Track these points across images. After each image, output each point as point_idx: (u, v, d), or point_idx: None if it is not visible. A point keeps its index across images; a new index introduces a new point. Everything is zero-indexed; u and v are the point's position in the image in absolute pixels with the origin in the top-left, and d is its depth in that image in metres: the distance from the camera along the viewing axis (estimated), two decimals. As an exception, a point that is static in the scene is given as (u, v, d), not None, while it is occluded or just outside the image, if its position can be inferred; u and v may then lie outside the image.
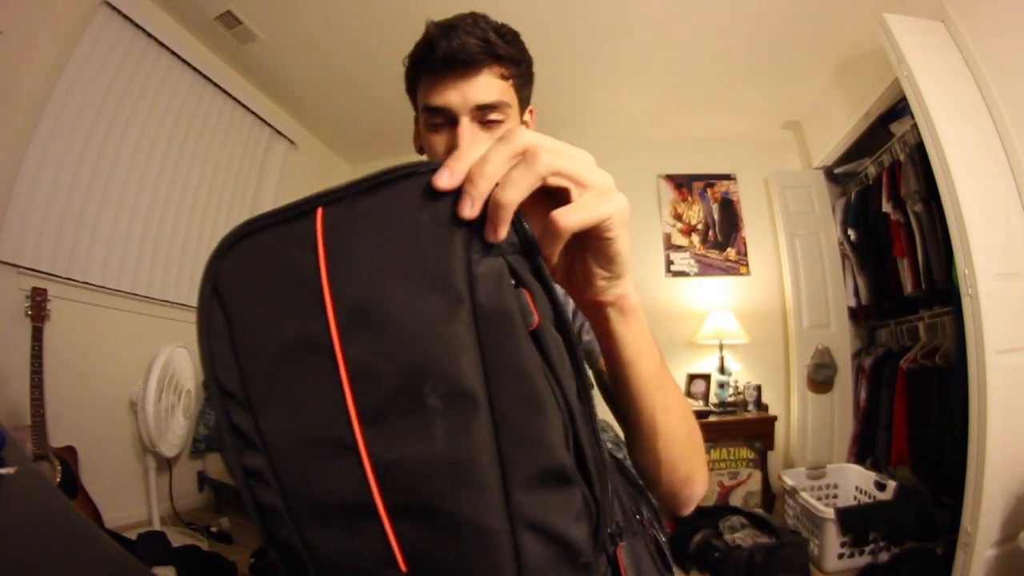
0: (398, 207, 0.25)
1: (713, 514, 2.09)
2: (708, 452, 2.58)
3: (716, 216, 3.28)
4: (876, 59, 2.07)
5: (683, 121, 3.22)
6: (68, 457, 1.73)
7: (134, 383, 1.95)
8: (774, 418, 2.79)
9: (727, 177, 3.32)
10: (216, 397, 0.26)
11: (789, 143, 3.28)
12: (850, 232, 2.74)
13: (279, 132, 3.01)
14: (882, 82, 2.27)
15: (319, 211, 0.26)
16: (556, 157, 0.27)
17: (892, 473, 2.24)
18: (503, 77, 0.66)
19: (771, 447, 2.72)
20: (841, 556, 1.89)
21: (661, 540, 0.47)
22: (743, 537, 1.92)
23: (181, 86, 2.37)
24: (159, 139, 2.28)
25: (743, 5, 2.23)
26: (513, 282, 0.26)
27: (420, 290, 0.24)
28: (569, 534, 0.25)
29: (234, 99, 2.65)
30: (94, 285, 2.05)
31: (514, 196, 0.25)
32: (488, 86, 0.65)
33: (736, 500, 2.56)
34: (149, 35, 2.16)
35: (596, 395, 0.50)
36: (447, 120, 0.66)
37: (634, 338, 0.40)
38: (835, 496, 2.35)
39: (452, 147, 0.65)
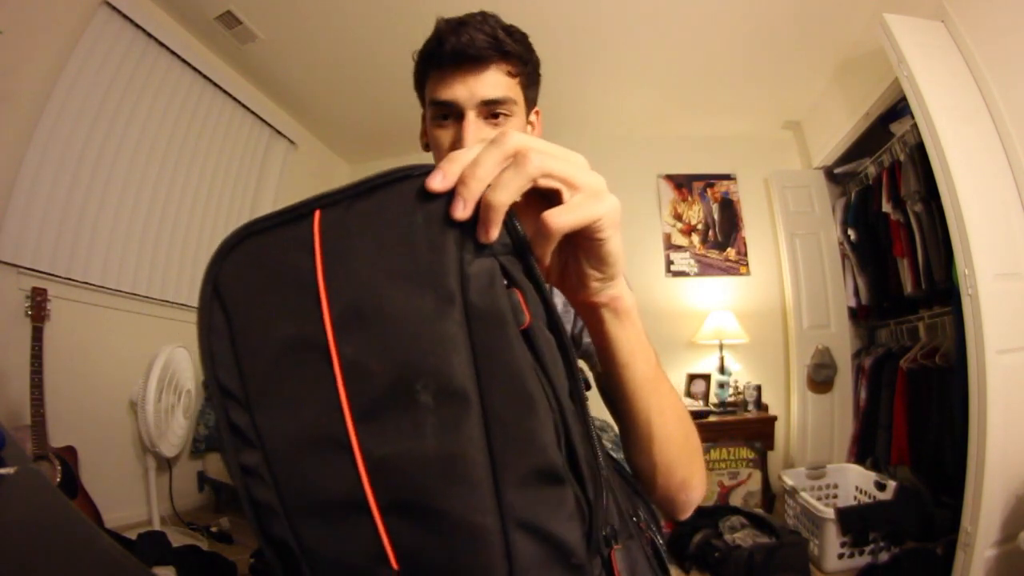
0: (393, 209, 0.26)
1: (713, 514, 2.09)
2: (708, 452, 2.58)
3: (716, 216, 3.28)
4: (876, 59, 2.07)
5: (683, 121, 3.22)
6: (68, 457, 1.73)
7: (134, 383, 1.95)
8: (774, 418, 2.79)
9: (727, 177, 3.32)
10: (216, 396, 0.27)
11: (789, 143, 3.28)
12: (850, 232, 2.74)
13: (279, 132, 3.01)
14: (882, 82, 2.26)
15: (317, 214, 0.27)
16: (547, 159, 0.27)
17: (892, 473, 2.24)
18: (510, 74, 0.67)
19: (771, 447, 2.72)
20: (841, 556, 1.89)
21: (658, 543, 0.47)
22: (743, 537, 1.92)
23: (181, 86, 2.37)
24: (159, 139, 2.28)
25: (743, 5, 2.23)
26: (505, 282, 0.26)
27: (414, 290, 0.25)
28: (561, 534, 0.25)
29: (234, 99, 2.65)
30: (94, 285, 2.05)
31: (504, 197, 0.26)
32: (495, 82, 0.65)
33: (736, 500, 2.56)
34: (149, 35, 2.16)
35: (596, 397, 0.50)
36: (453, 115, 0.67)
37: (628, 340, 0.40)
38: (835, 496, 2.36)
39: (457, 142, 0.66)
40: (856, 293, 2.78)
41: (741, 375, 2.99)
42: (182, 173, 2.43)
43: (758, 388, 2.87)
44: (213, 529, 2.13)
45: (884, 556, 1.87)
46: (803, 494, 2.11)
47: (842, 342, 2.86)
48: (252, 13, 2.28)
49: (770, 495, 2.63)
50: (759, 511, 2.18)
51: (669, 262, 3.23)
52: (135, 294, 2.23)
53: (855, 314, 2.87)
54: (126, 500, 2.08)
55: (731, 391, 2.89)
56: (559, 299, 0.65)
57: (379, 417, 0.24)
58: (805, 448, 2.79)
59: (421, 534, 0.24)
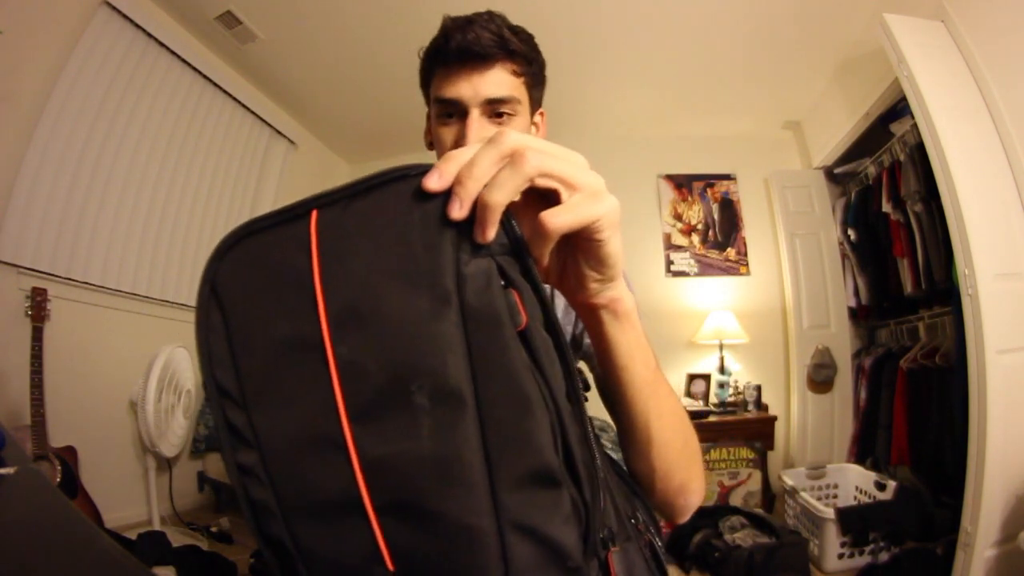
0: (390, 209, 0.26)
1: (713, 514, 2.08)
2: (708, 452, 2.58)
3: (716, 216, 3.28)
4: (876, 59, 2.07)
5: (683, 121, 3.22)
6: (68, 457, 1.73)
7: (134, 383, 1.95)
8: (774, 418, 2.79)
9: (727, 177, 3.32)
10: (213, 395, 0.27)
11: (789, 143, 3.28)
12: (850, 232, 2.74)
13: (279, 132, 3.01)
14: (882, 82, 2.26)
15: (314, 213, 0.27)
16: (545, 158, 0.27)
17: (892, 473, 2.24)
18: (515, 74, 0.67)
19: (771, 447, 2.72)
20: (841, 556, 1.89)
21: (657, 545, 0.46)
22: (743, 537, 1.92)
23: (181, 86, 2.37)
24: (159, 139, 2.28)
25: (743, 5, 2.23)
26: (502, 283, 0.26)
27: (410, 290, 0.25)
28: (557, 536, 0.25)
29: (234, 99, 2.65)
30: (94, 285, 2.05)
31: (501, 197, 0.25)
32: (500, 80, 0.65)
33: (736, 500, 2.56)
34: (149, 35, 2.16)
35: (596, 398, 0.50)
36: (458, 113, 0.66)
37: (627, 342, 0.40)
38: (835, 496, 2.35)
39: (460, 140, 0.66)
40: (856, 293, 2.78)
41: (741, 375, 2.99)
42: (182, 173, 2.43)
43: (758, 388, 2.87)
44: (213, 529, 2.13)
45: (884, 556, 1.87)
46: (803, 494, 2.11)
47: (842, 342, 2.86)
48: (252, 13, 2.28)
49: (770, 495, 2.63)
50: (759, 511, 2.17)
51: (669, 262, 3.23)
52: (135, 294, 2.23)
53: (855, 314, 2.86)
54: (126, 500, 2.08)
55: (731, 391, 2.89)
56: (561, 301, 0.65)
57: (375, 417, 0.24)
58: (805, 448, 2.79)
59: (417, 535, 0.24)
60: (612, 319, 0.38)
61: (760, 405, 2.85)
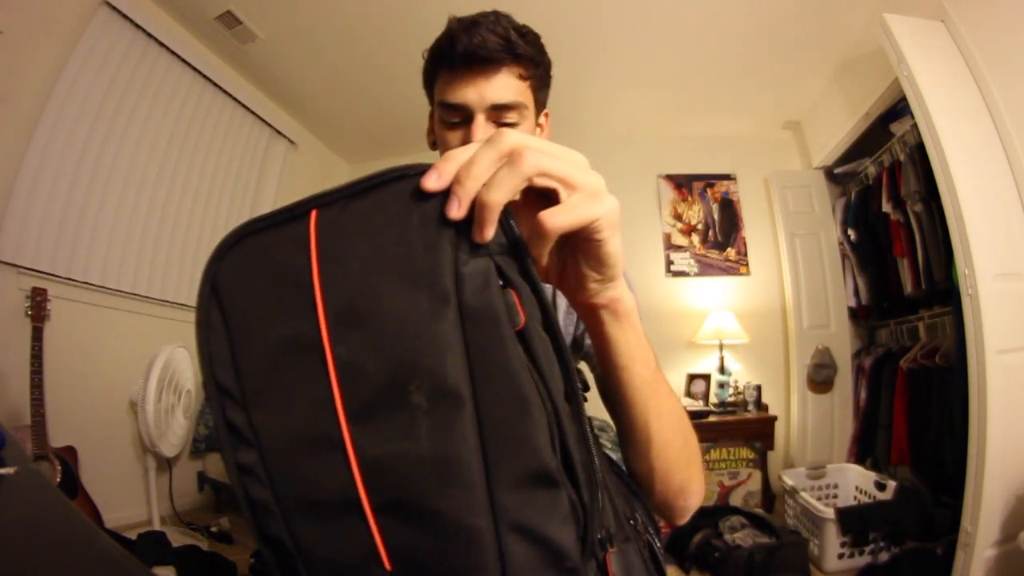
0: (389, 209, 0.26)
1: (713, 514, 2.08)
2: (708, 452, 2.58)
3: (716, 216, 3.28)
4: (876, 59, 2.07)
5: (683, 121, 3.22)
6: (68, 457, 1.73)
7: (134, 383, 1.95)
8: (774, 418, 2.79)
9: (727, 177, 3.32)
10: (213, 395, 0.27)
11: (789, 143, 3.28)
12: (850, 232, 2.74)
13: (279, 132, 3.02)
14: (882, 82, 2.26)
15: (313, 213, 0.27)
16: (543, 158, 0.27)
17: (892, 473, 2.24)
18: (521, 77, 0.66)
19: (771, 447, 2.72)
20: (841, 556, 1.89)
21: (656, 545, 0.46)
22: (743, 537, 1.92)
23: (181, 86, 2.37)
24: (159, 139, 2.29)
25: (743, 5, 2.23)
26: (501, 282, 0.26)
27: (408, 289, 0.25)
28: (555, 537, 0.25)
29: (234, 99, 2.65)
30: (94, 285, 2.05)
31: (499, 197, 0.25)
32: (506, 86, 0.64)
33: (736, 500, 2.56)
34: (149, 35, 2.16)
35: (597, 398, 0.50)
36: (463, 118, 0.65)
37: (627, 342, 0.40)
38: (835, 496, 2.35)
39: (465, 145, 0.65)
40: (856, 293, 2.78)
41: (741, 375, 2.99)
42: (182, 173, 2.43)
43: (758, 388, 2.87)
44: (213, 529, 2.13)
45: (884, 556, 1.87)
46: (803, 494, 2.11)
47: (842, 342, 2.86)
48: (252, 13, 2.28)
49: (770, 495, 2.63)
50: (759, 511, 2.17)
51: (669, 262, 3.23)
52: (135, 294, 2.23)
53: (855, 314, 2.86)
54: (126, 500, 2.08)
55: (731, 391, 2.89)
56: (563, 302, 0.65)
57: (373, 417, 0.24)
58: (805, 448, 2.79)
59: (414, 535, 0.24)
60: (612, 319, 0.38)
61: (760, 405, 2.85)
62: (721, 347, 2.98)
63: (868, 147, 2.63)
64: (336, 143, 3.56)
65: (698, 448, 0.50)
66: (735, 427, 2.68)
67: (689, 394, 2.97)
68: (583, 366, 0.63)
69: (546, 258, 0.32)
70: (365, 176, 0.26)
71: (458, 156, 0.26)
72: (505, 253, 0.27)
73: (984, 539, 1.47)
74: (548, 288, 0.33)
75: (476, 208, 0.25)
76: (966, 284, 1.56)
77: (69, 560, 0.55)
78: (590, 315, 0.38)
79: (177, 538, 1.89)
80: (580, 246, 0.32)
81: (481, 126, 0.64)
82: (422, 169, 0.26)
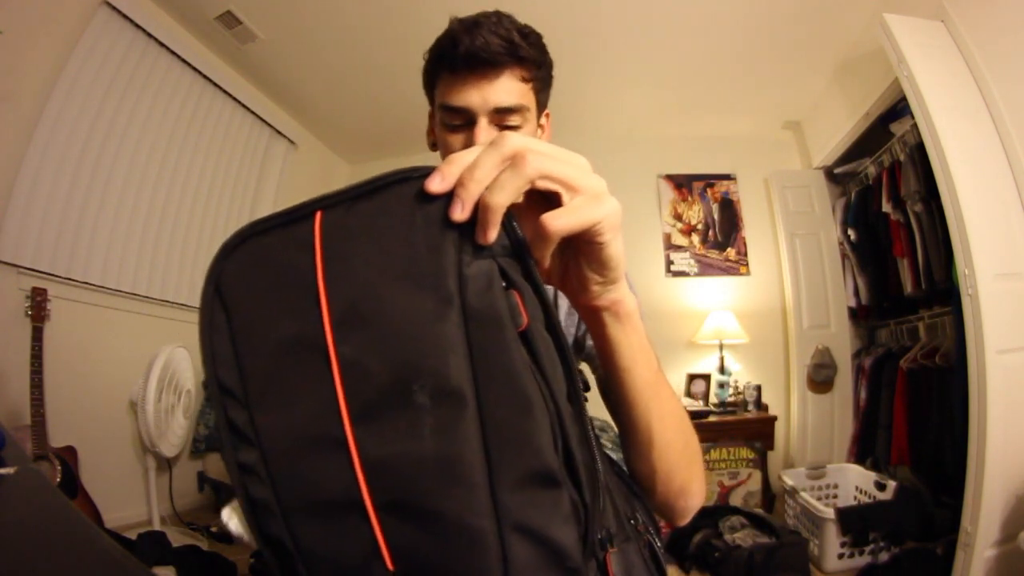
0: (393, 210, 0.26)
1: (713, 514, 2.09)
2: (708, 452, 2.58)
3: (716, 216, 3.28)
4: (876, 59, 2.07)
5: (683, 121, 3.22)
6: (68, 457, 1.73)
7: (134, 383, 1.95)
8: (774, 418, 2.79)
9: (727, 177, 3.32)
10: (215, 394, 0.27)
11: (789, 143, 3.28)
12: (850, 232, 2.74)
13: (279, 132, 3.02)
14: (882, 82, 2.26)
15: (318, 215, 0.27)
16: (546, 160, 0.27)
17: (892, 473, 2.24)
18: (524, 80, 0.65)
19: (771, 447, 2.72)
20: (841, 556, 1.89)
21: (656, 545, 0.46)
22: (743, 537, 1.92)
23: (181, 86, 2.37)
24: (159, 139, 2.29)
25: (743, 5, 2.23)
26: (504, 284, 0.26)
27: (412, 291, 0.25)
28: (557, 537, 0.25)
29: (234, 99, 2.65)
30: (94, 285, 2.05)
31: (502, 199, 0.26)
32: (509, 89, 0.64)
33: (736, 500, 2.56)
34: (149, 35, 2.16)
35: (597, 399, 0.50)
36: (465, 121, 0.65)
37: (630, 344, 0.40)
38: (835, 496, 2.35)
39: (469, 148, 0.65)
40: (856, 293, 2.78)
41: (741, 375, 2.99)
42: (182, 173, 2.43)
43: (758, 388, 2.87)
44: (213, 529, 2.13)
45: (884, 556, 1.87)
46: (803, 494, 2.11)
47: (842, 342, 2.86)
48: (252, 13, 2.28)
49: (770, 495, 2.63)
50: (759, 511, 2.18)
51: (669, 262, 3.23)
52: (135, 294, 2.23)
53: (855, 314, 2.86)
54: (126, 500, 2.08)
55: (731, 391, 2.89)
56: (565, 303, 0.65)
57: (376, 417, 0.24)
58: (805, 448, 2.79)
59: (417, 535, 0.24)
60: (614, 321, 0.38)
61: (760, 405, 2.85)
62: (721, 347, 2.98)
63: (868, 147, 2.63)
64: (336, 143, 3.56)
65: (699, 449, 0.50)
66: (735, 427, 2.68)
67: (689, 394, 2.97)
68: (584, 367, 0.63)
69: (548, 260, 0.32)
70: (369, 178, 0.26)
71: (462, 159, 0.27)
72: (508, 255, 0.27)
73: (984, 539, 1.47)
74: (549, 289, 0.34)
75: (479, 210, 0.26)
76: (966, 284, 1.56)
77: (69, 560, 0.55)
78: (592, 317, 0.39)
79: (177, 538, 1.89)
80: (582, 248, 0.32)
81: (484, 129, 0.63)
82: (426, 171, 0.26)
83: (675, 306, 3.16)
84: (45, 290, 1.77)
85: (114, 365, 2.10)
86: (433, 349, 0.24)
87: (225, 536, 2.08)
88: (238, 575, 1.75)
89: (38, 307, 1.72)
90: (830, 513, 1.89)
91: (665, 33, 2.42)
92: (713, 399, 2.93)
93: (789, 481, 2.25)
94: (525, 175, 0.26)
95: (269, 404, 0.26)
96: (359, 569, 0.24)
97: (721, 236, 3.26)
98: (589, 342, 0.65)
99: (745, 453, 2.63)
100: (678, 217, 3.29)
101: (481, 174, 0.26)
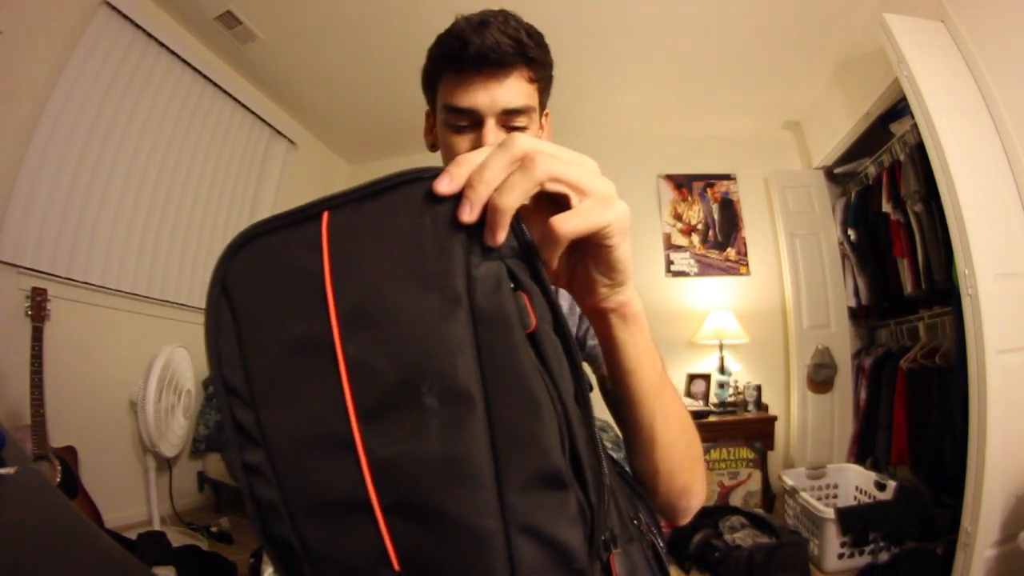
0: (401, 211, 0.26)
1: (713, 514, 2.09)
2: (708, 452, 2.58)
3: (716, 216, 3.28)
4: (876, 59, 2.07)
5: (683, 121, 3.22)
6: (68, 457, 1.73)
7: (134, 383, 1.95)
8: (774, 418, 2.79)
9: (727, 177, 3.32)
10: (221, 394, 0.27)
11: (789, 143, 3.28)
12: (850, 232, 2.74)
13: (279, 132, 3.02)
14: (882, 82, 2.27)
15: (325, 215, 0.27)
16: (555, 163, 0.27)
17: (892, 473, 2.24)
18: (530, 80, 0.64)
19: (771, 447, 2.72)
20: (841, 556, 1.89)
21: (659, 545, 0.47)
22: (743, 537, 1.92)
23: (181, 86, 2.37)
24: (159, 139, 2.29)
25: (743, 5, 2.23)
26: (512, 285, 0.26)
27: (420, 291, 0.25)
28: (563, 538, 0.25)
29: (234, 99, 2.65)
30: (94, 285, 2.05)
31: (511, 201, 0.26)
32: (517, 90, 0.63)
33: (736, 500, 2.56)
34: (149, 35, 2.16)
35: (597, 398, 0.50)
36: (471, 122, 0.64)
37: (635, 345, 0.40)
38: (835, 496, 2.36)
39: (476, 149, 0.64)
40: (856, 293, 2.78)
41: (741, 375, 2.99)
42: (182, 173, 2.43)
43: (758, 388, 2.87)
44: (213, 529, 2.13)
45: (884, 556, 1.87)
46: (803, 494, 2.11)
47: (842, 342, 2.86)
48: (252, 13, 2.28)
49: (770, 495, 2.63)
50: (759, 511, 2.18)
51: (669, 262, 3.23)
52: (135, 294, 2.23)
53: (855, 314, 2.87)
54: (126, 500, 2.08)
55: (731, 391, 2.89)
56: (564, 300, 0.65)
57: (384, 417, 0.24)
58: (805, 448, 2.79)
59: (423, 535, 0.24)
60: (621, 323, 0.38)
61: (760, 405, 2.85)
62: (721, 347, 2.98)
63: (868, 147, 2.63)
64: (336, 143, 3.56)
65: (701, 451, 0.51)
66: (735, 427, 2.68)
67: (689, 394, 2.97)
68: (585, 367, 0.63)
69: (556, 262, 0.32)
70: (377, 179, 0.26)
71: (470, 160, 0.27)
72: (516, 256, 0.27)
73: (984, 539, 1.47)
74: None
75: (488, 212, 0.26)
76: (966, 284, 1.57)
77: (69, 560, 0.55)
78: (599, 319, 0.39)
79: (177, 538, 1.89)
80: (590, 251, 0.33)
81: (492, 131, 0.62)
82: (434, 172, 0.26)
83: (675, 306, 3.16)
84: (45, 290, 1.77)
85: (114, 365, 2.10)
86: (441, 349, 0.24)
87: (225, 536, 2.09)
88: (238, 575, 1.75)
89: (38, 307, 1.72)
90: (830, 513, 1.89)
91: (665, 33, 2.42)
92: (713, 399, 2.93)
93: (789, 481, 2.25)
94: (534, 177, 0.26)
95: (275, 404, 0.26)
96: (366, 569, 0.24)
97: (721, 236, 3.26)
98: (590, 342, 0.65)
99: (745, 453, 2.63)
100: (678, 217, 3.29)
101: (490, 176, 0.26)
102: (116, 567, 0.57)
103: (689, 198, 3.31)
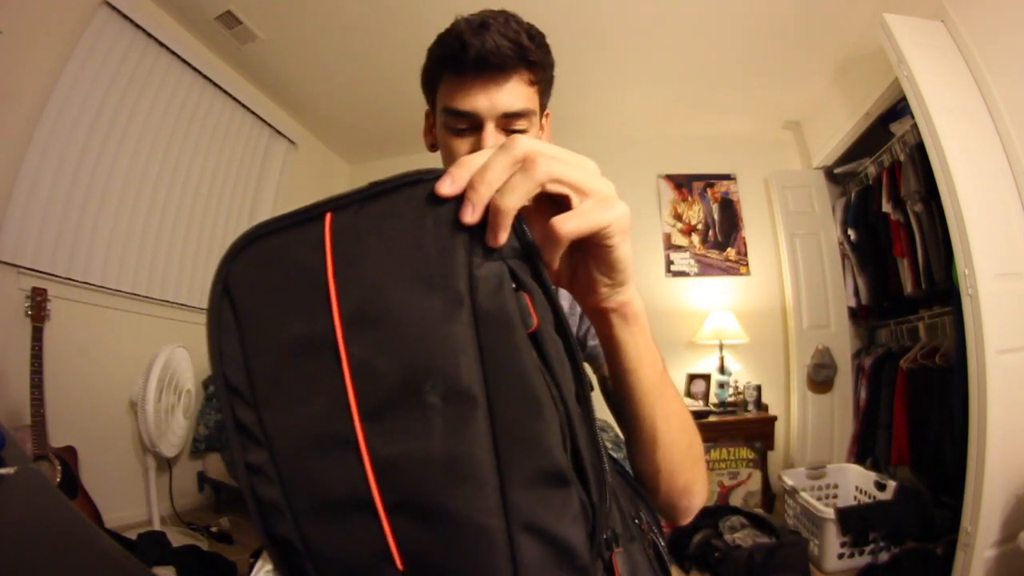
0: (403, 213, 0.26)
1: (713, 514, 2.09)
2: (708, 452, 2.58)
3: (716, 216, 3.28)
4: (876, 59, 2.07)
5: (683, 121, 3.22)
6: (68, 457, 1.73)
7: (134, 383, 1.95)
8: (774, 418, 2.79)
9: (727, 177, 3.32)
10: (223, 393, 0.27)
11: (789, 143, 3.28)
12: (850, 232, 2.74)
13: (279, 132, 3.02)
14: (882, 82, 2.27)
15: (328, 216, 0.27)
16: (555, 164, 0.27)
17: (892, 473, 2.24)
18: (531, 83, 0.64)
19: (771, 447, 2.72)
20: (841, 556, 1.89)
21: (660, 545, 0.47)
22: (743, 537, 1.92)
23: (181, 86, 2.37)
24: (159, 139, 2.29)
25: (743, 5, 2.23)
26: (514, 285, 0.26)
27: (422, 292, 0.25)
28: (566, 536, 0.25)
29: (234, 99, 2.65)
30: (94, 285, 2.05)
31: (512, 202, 0.26)
32: (517, 93, 0.62)
33: (736, 500, 2.56)
34: (149, 35, 2.16)
35: (597, 398, 0.50)
36: (470, 125, 0.63)
37: (636, 345, 0.40)
38: (835, 496, 2.36)
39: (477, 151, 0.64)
40: (856, 293, 2.78)
41: (741, 375, 2.99)
42: (182, 173, 2.43)
43: (758, 388, 2.87)
44: (213, 529, 2.13)
45: (884, 556, 1.87)
46: (803, 494, 2.11)
47: (842, 342, 2.86)
48: (252, 13, 2.28)
49: (770, 495, 2.63)
50: (759, 511, 2.18)
51: (669, 262, 3.23)
52: (135, 294, 2.23)
53: (855, 314, 2.87)
54: (126, 500, 2.08)
55: (731, 391, 2.89)
56: (565, 300, 0.65)
57: (387, 417, 0.24)
58: (805, 448, 2.79)
59: (426, 534, 0.24)
60: (622, 322, 0.39)
61: (760, 405, 2.85)
62: (721, 347, 2.98)
63: (868, 147, 2.63)
64: (336, 143, 3.56)
65: (702, 451, 0.51)
66: (735, 427, 2.68)
67: (689, 394, 2.97)
68: (585, 367, 0.63)
69: (557, 262, 0.32)
70: (379, 180, 0.27)
71: (472, 162, 0.27)
72: (518, 257, 0.27)
73: (984, 539, 1.47)
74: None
75: (490, 213, 0.26)
76: (966, 284, 1.57)
77: (69, 560, 0.55)
78: (600, 318, 0.39)
79: (177, 538, 1.89)
80: (591, 251, 0.33)
81: (491, 134, 0.62)
82: (436, 174, 0.26)
83: (675, 306, 3.16)
84: (45, 290, 1.77)
85: (114, 365, 2.10)
86: (443, 350, 0.24)
87: (225, 536, 2.09)
88: (238, 575, 1.75)
89: (38, 307, 1.72)
90: (830, 513, 1.89)
91: (665, 33, 2.42)
92: (713, 399, 2.94)
93: (789, 481, 2.25)
94: (535, 179, 0.27)
95: (278, 404, 0.26)
96: (369, 569, 0.25)
97: (721, 236, 3.26)
98: (591, 342, 0.65)
99: (745, 453, 2.63)
100: (678, 217, 3.29)
101: (492, 177, 0.26)
102: (116, 567, 0.57)
103: (689, 198, 3.31)
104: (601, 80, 2.80)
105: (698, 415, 2.69)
